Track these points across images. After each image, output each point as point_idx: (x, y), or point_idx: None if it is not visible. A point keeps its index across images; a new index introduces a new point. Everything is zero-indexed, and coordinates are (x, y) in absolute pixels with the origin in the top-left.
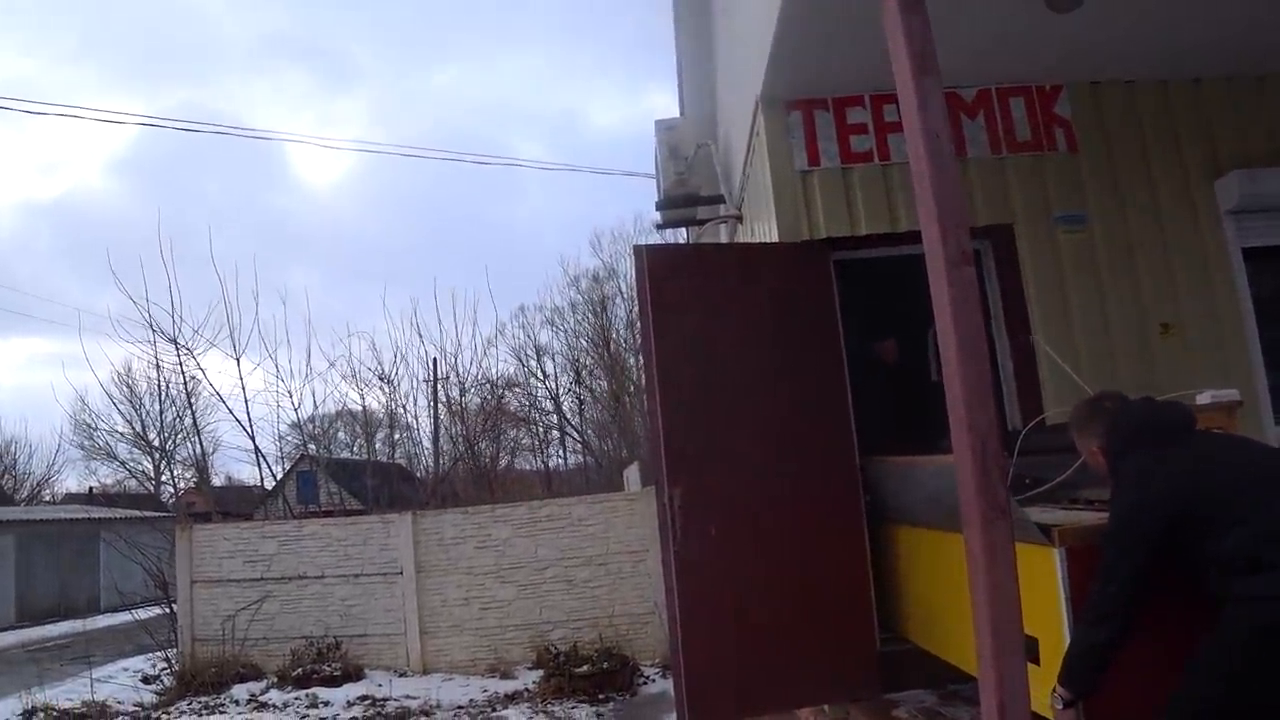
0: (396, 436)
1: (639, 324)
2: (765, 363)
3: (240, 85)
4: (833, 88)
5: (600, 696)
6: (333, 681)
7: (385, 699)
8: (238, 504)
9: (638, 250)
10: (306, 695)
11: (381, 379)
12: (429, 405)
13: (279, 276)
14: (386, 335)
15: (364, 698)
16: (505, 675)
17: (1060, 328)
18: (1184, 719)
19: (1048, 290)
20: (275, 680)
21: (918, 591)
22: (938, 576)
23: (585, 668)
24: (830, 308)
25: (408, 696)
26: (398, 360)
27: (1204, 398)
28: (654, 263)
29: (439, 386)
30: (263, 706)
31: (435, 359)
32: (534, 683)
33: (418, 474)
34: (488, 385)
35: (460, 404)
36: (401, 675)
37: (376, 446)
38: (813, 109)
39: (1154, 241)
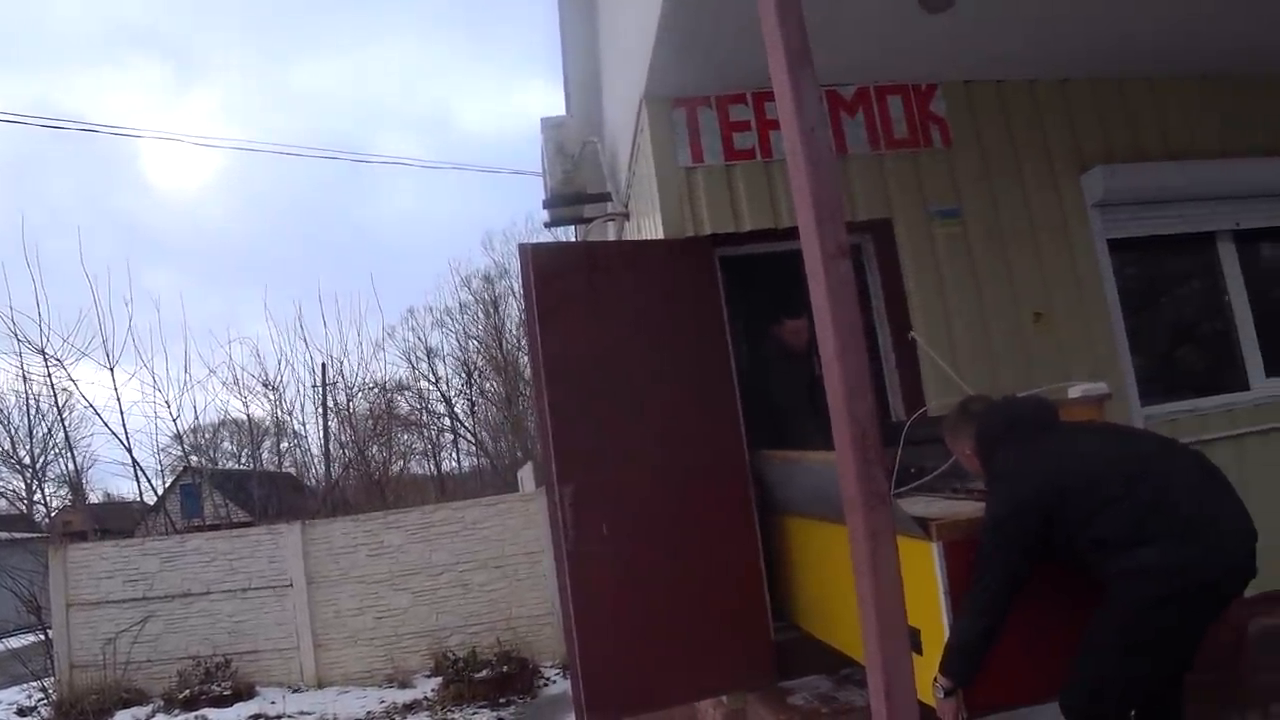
0: (285, 445)
1: (525, 322)
2: (653, 359)
3: (81, 78)
4: (716, 86)
5: (501, 700)
6: (223, 702)
7: (279, 716)
8: (117, 521)
9: (522, 249)
10: (195, 718)
11: (266, 385)
12: (315, 411)
13: (143, 281)
14: (270, 341)
15: (256, 716)
16: (404, 684)
17: (938, 317)
18: (1084, 690)
19: (925, 282)
20: (162, 704)
21: (808, 581)
22: (825, 566)
23: (484, 672)
24: (716, 303)
25: (302, 713)
26: (282, 366)
27: (1075, 391)
28: (539, 261)
29: (327, 392)
30: None
31: (324, 364)
32: (433, 690)
33: (308, 483)
34: (377, 389)
35: (348, 409)
36: (296, 691)
37: (264, 456)
38: (696, 107)
39: (1025, 233)
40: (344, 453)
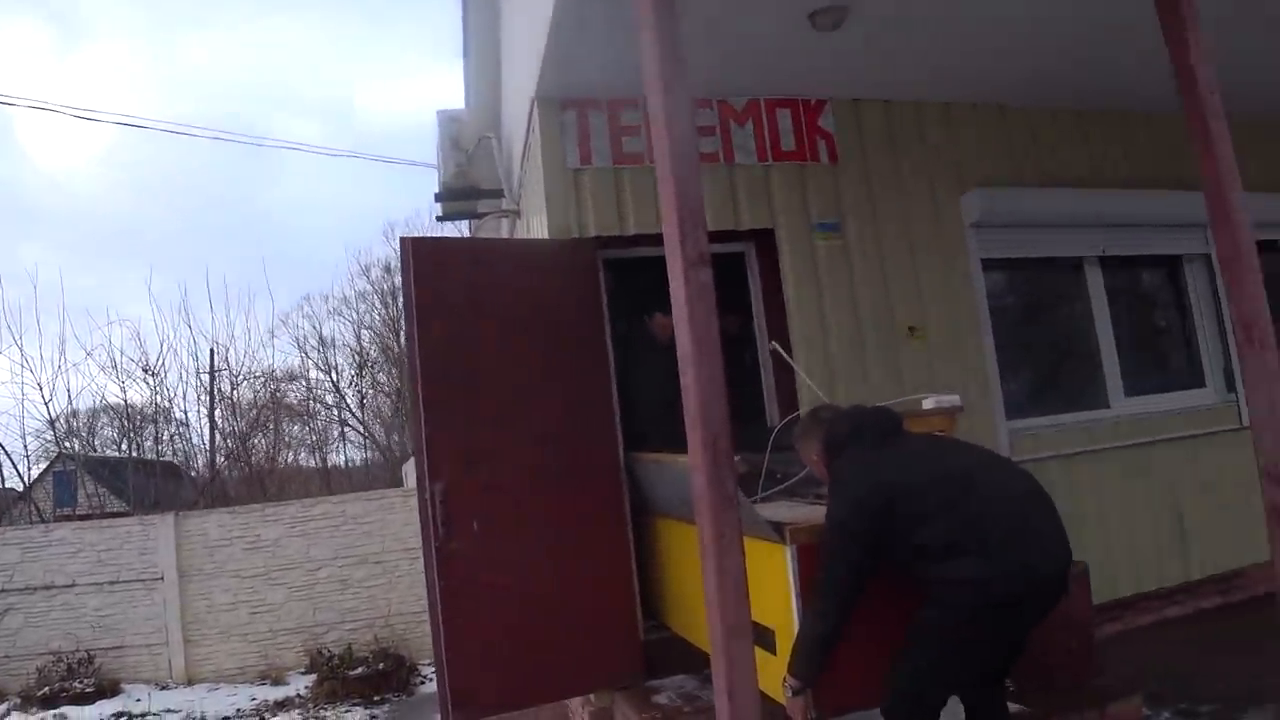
0: (169, 433)
1: (404, 317)
2: (532, 359)
3: None
4: (606, 89)
5: (375, 698)
6: (84, 699)
7: (143, 714)
8: None
9: (403, 242)
10: (54, 716)
11: (145, 370)
12: (198, 399)
13: (16, 255)
14: (152, 324)
15: (119, 714)
16: (277, 681)
17: (815, 327)
18: (905, 679)
19: (805, 292)
20: (18, 702)
21: (674, 581)
22: (686, 566)
23: (360, 669)
24: (597, 306)
25: (168, 710)
26: (165, 351)
27: (929, 403)
28: (419, 255)
29: (214, 379)
30: None
31: (210, 349)
32: (306, 688)
33: (192, 473)
34: (264, 378)
35: (233, 398)
36: (163, 688)
37: (145, 444)
38: (586, 109)
39: (904, 249)
40: (226, 442)
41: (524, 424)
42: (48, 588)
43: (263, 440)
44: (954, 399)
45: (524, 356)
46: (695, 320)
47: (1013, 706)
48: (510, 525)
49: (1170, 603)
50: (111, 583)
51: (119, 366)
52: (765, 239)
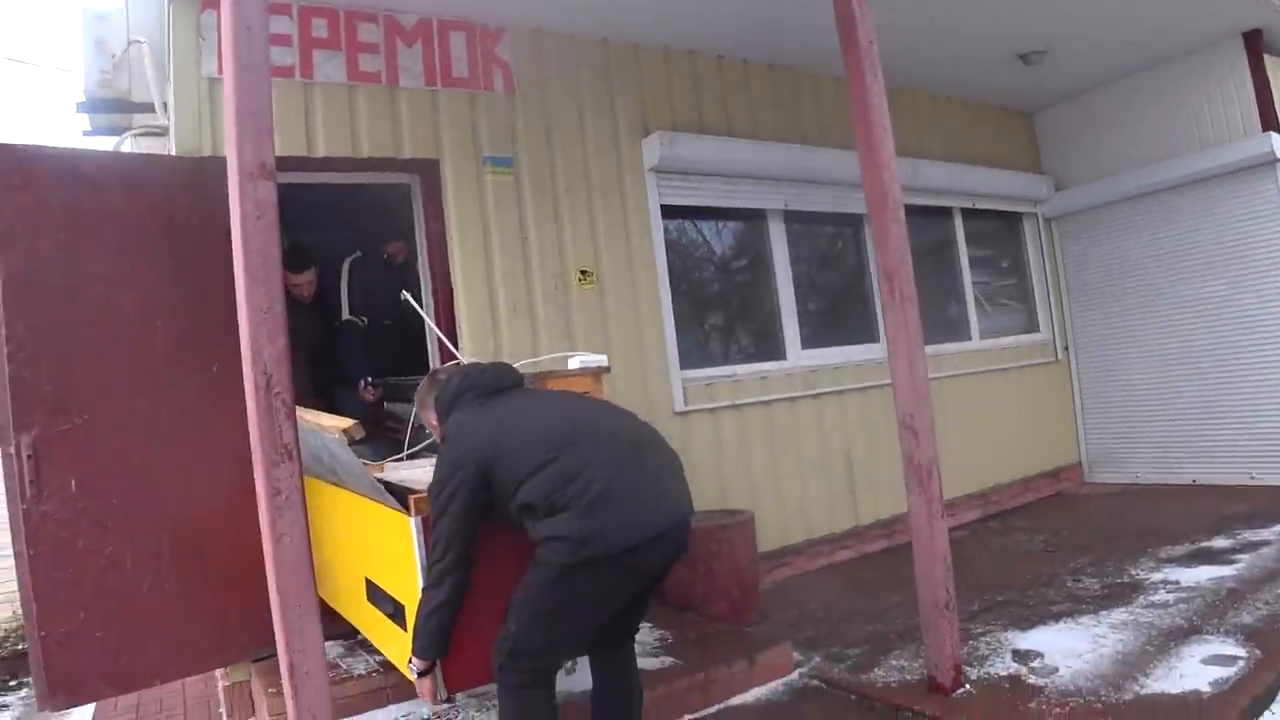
0: None
1: None
2: (144, 291)
3: None
4: None
5: (13, 683)
6: None
7: None
8: None
9: None
10: None
11: None
12: None
13: None
14: None
15: None
16: None
17: (479, 267)
18: (508, 638)
19: (470, 230)
20: None
21: (317, 543)
22: (324, 529)
23: None
24: (228, 234)
25: None
26: None
27: (574, 362)
28: (6, 164)
29: None
30: None
31: None
32: None
33: None
34: None
35: None
36: None
37: None
38: None
39: (580, 190)
40: None
41: (135, 365)
42: None
43: None
44: (601, 359)
45: (133, 289)
46: (251, 240)
47: (664, 660)
48: (117, 483)
49: (840, 548)
50: None
51: None
52: (431, 170)
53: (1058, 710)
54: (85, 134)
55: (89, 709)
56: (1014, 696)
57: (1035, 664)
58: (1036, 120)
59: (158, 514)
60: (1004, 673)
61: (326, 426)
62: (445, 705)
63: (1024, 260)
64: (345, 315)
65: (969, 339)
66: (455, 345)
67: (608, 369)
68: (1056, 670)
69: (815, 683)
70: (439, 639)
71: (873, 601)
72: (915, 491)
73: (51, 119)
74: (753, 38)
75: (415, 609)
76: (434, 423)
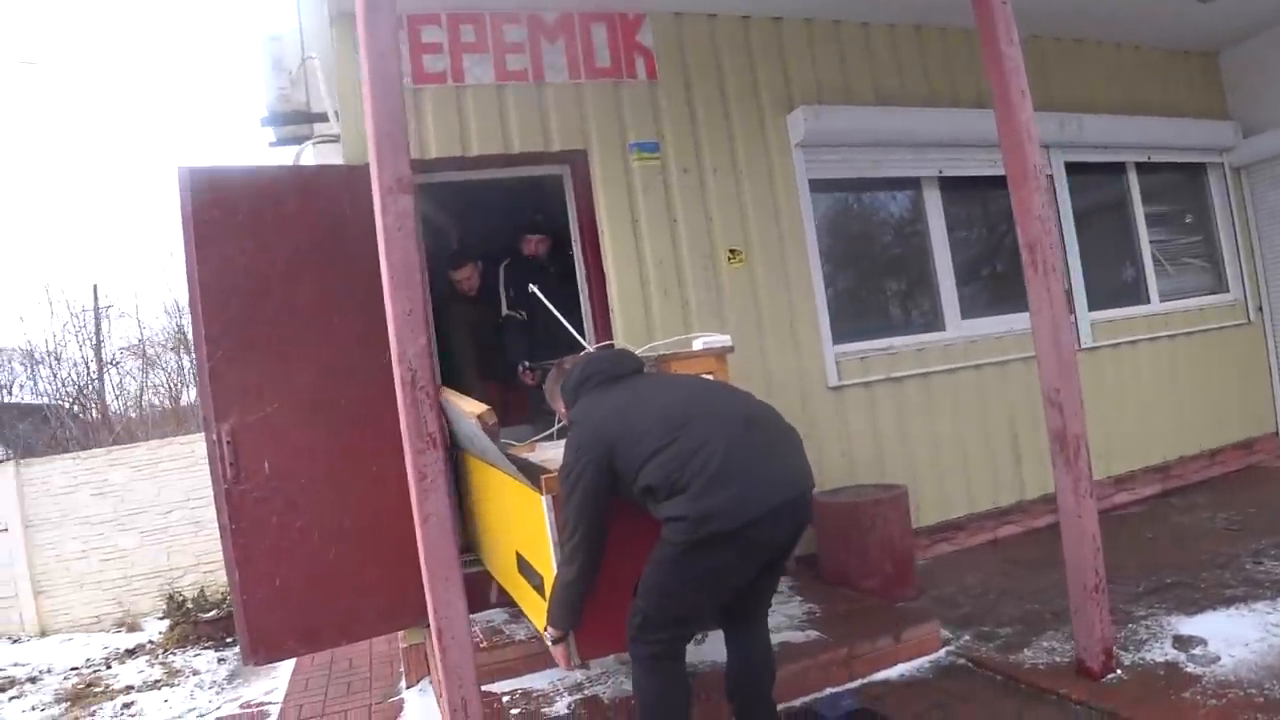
0: (58, 374)
1: (184, 252)
2: (322, 291)
3: None
4: (407, 5)
5: (228, 641)
6: None
7: None
8: None
9: (180, 171)
10: None
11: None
12: (78, 339)
13: None
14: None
15: None
16: (133, 629)
17: (630, 252)
18: (638, 613)
19: (619, 216)
20: None
21: (476, 516)
22: (484, 502)
23: (213, 613)
24: None
25: (15, 664)
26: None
27: (698, 344)
28: (196, 186)
29: (99, 317)
30: None
31: (94, 286)
32: (160, 633)
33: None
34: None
35: (95, 337)
36: (15, 641)
37: (40, 385)
38: None
39: (726, 171)
40: (86, 382)
41: (314, 359)
42: None
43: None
44: (724, 339)
45: (314, 289)
46: (393, 249)
47: (810, 634)
48: (304, 464)
49: (1004, 522)
50: None
51: None
52: (580, 160)
53: (1213, 702)
54: (271, 145)
55: (289, 664)
56: (1167, 684)
57: (1196, 651)
58: (1221, 60)
59: (339, 493)
60: (1160, 659)
61: (468, 412)
62: (581, 669)
63: (1209, 215)
64: (505, 311)
65: (1147, 302)
66: (609, 329)
67: (731, 349)
68: (1218, 659)
69: (962, 661)
70: (570, 611)
71: (1032, 579)
72: (1062, 469)
73: (243, 134)
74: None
75: (551, 582)
76: (562, 410)
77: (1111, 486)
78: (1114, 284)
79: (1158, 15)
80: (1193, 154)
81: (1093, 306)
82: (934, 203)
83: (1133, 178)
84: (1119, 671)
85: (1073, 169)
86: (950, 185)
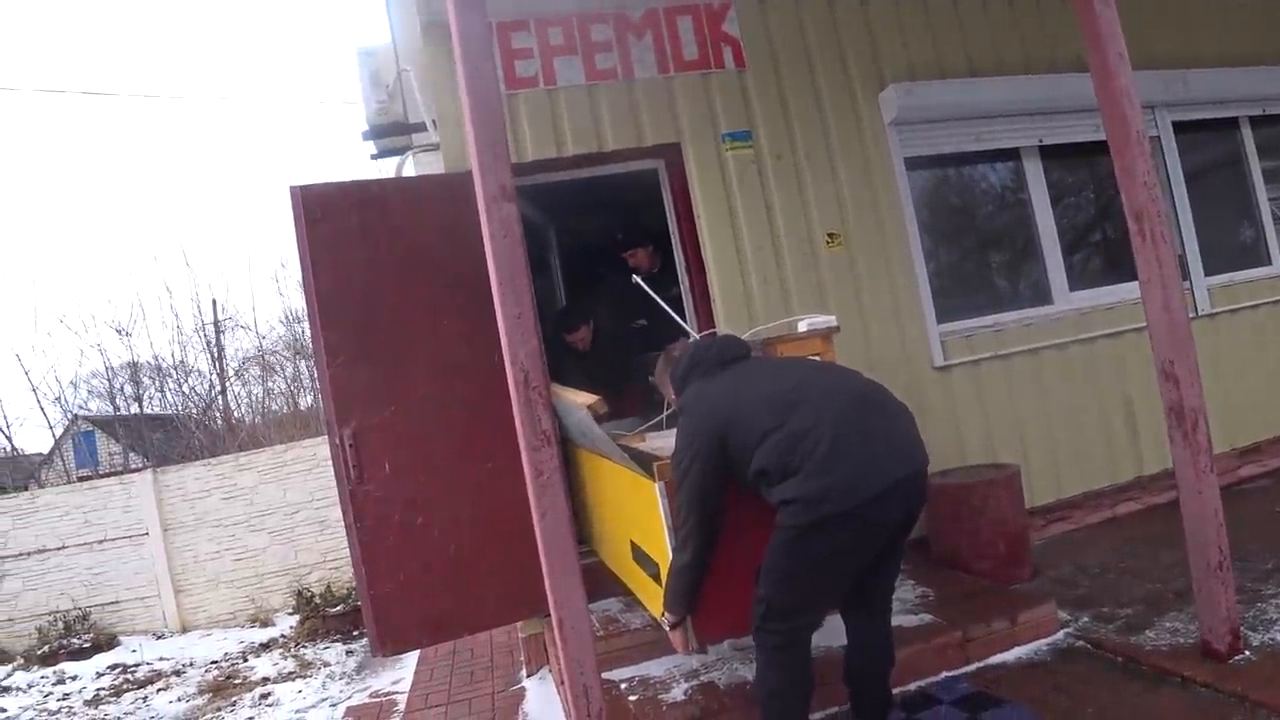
0: (186, 386)
1: (300, 265)
2: (431, 296)
3: None
4: (495, 11)
5: (355, 633)
6: (81, 654)
7: (137, 665)
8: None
9: (292, 190)
10: (54, 672)
11: (119, 331)
12: (206, 351)
13: None
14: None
15: (114, 666)
16: (265, 624)
17: (728, 241)
18: (760, 599)
19: (716, 206)
20: (22, 662)
21: (590, 507)
22: (596, 494)
23: (340, 607)
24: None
25: (161, 659)
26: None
27: (803, 325)
28: (308, 201)
29: (219, 331)
30: (3, 691)
31: (214, 300)
32: (291, 628)
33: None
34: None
35: (216, 346)
36: (159, 637)
37: (168, 397)
38: None
39: (820, 154)
40: (218, 394)
41: (427, 361)
42: (40, 551)
43: (254, 388)
44: (829, 319)
45: (423, 294)
46: (500, 256)
47: (923, 617)
48: (421, 463)
49: (1122, 499)
50: (100, 541)
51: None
52: (674, 154)
53: None
54: (372, 157)
55: (414, 655)
56: None
57: None
58: None
59: (457, 489)
60: None
61: (579, 404)
62: (698, 654)
63: None
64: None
65: (1269, 263)
66: (710, 319)
67: (837, 329)
68: None
69: (1080, 643)
70: (687, 597)
71: (1153, 558)
72: (1179, 444)
73: (347, 148)
74: None
75: (667, 568)
76: (672, 396)
77: (1236, 459)
78: (1232, 246)
79: None
80: None
81: (1209, 271)
82: (1035, 172)
83: (1246, 133)
84: (1246, 653)
85: (1181, 128)
86: (1052, 153)
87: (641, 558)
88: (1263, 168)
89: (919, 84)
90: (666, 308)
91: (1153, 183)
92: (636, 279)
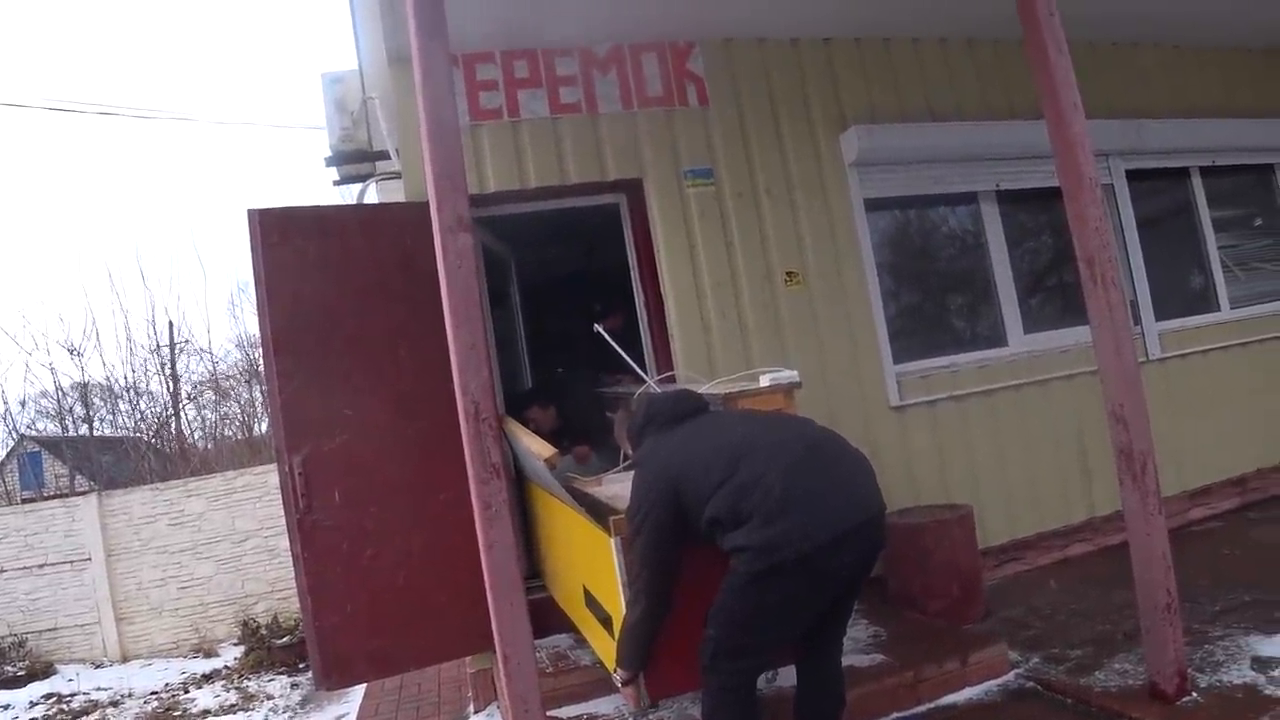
0: (137, 407)
1: (255, 290)
2: (389, 326)
3: None
4: (461, 44)
5: (301, 666)
6: (15, 683)
7: (73, 695)
8: None
9: (250, 214)
10: None
11: (70, 351)
12: (160, 373)
13: None
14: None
15: (49, 696)
16: (209, 654)
17: (687, 278)
18: (708, 644)
19: (676, 243)
20: None
21: (547, 545)
22: (547, 529)
23: (286, 639)
24: None
25: (99, 689)
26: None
27: (764, 380)
28: (267, 224)
29: (174, 353)
30: None
31: (170, 323)
32: (236, 659)
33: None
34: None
35: (170, 371)
36: (98, 667)
37: (119, 419)
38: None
39: (781, 193)
40: (168, 418)
41: (383, 392)
42: None
43: (205, 412)
44: (792, 375)
45: (381, 324)
46: (454, 286)
47: (875, 657)
48: (373, 494)
49: (1074, 540)
50: (40, 566)
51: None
52: (635, 189)
53: None
54: (335, 183)
55: (360, 689)
56: (1245, 708)
57: (1276, 673)
58: None
59: (408, 521)
60: (1238, 681)
61: (535, 452)
62: (651, 710)
63: None
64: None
65: (1217, 309)
66: (669, 355)
67: (799, 384)
68: None
69: (1031, 684)
70: (638, 653)
71: (1104, 599)
72: (1129, 486)
73: (308, 173)
74: (948, 14)
75: (620, 622)
76: (629, 450)
77: (1186, 501)
78: (1182, 293)
79: (1216, 13)
80: (1260, 155)
81: (1160, 317)
82: (992, 217)
83: (1197, 182)
84: (1194, 694)
85: (1134, 176)
86: (1009, 198)
87: (593, 604)
88: (1213, 217)
89: (880, 126)
90: (627, 359)
91: (1104, 229)
92: (597, 328)
